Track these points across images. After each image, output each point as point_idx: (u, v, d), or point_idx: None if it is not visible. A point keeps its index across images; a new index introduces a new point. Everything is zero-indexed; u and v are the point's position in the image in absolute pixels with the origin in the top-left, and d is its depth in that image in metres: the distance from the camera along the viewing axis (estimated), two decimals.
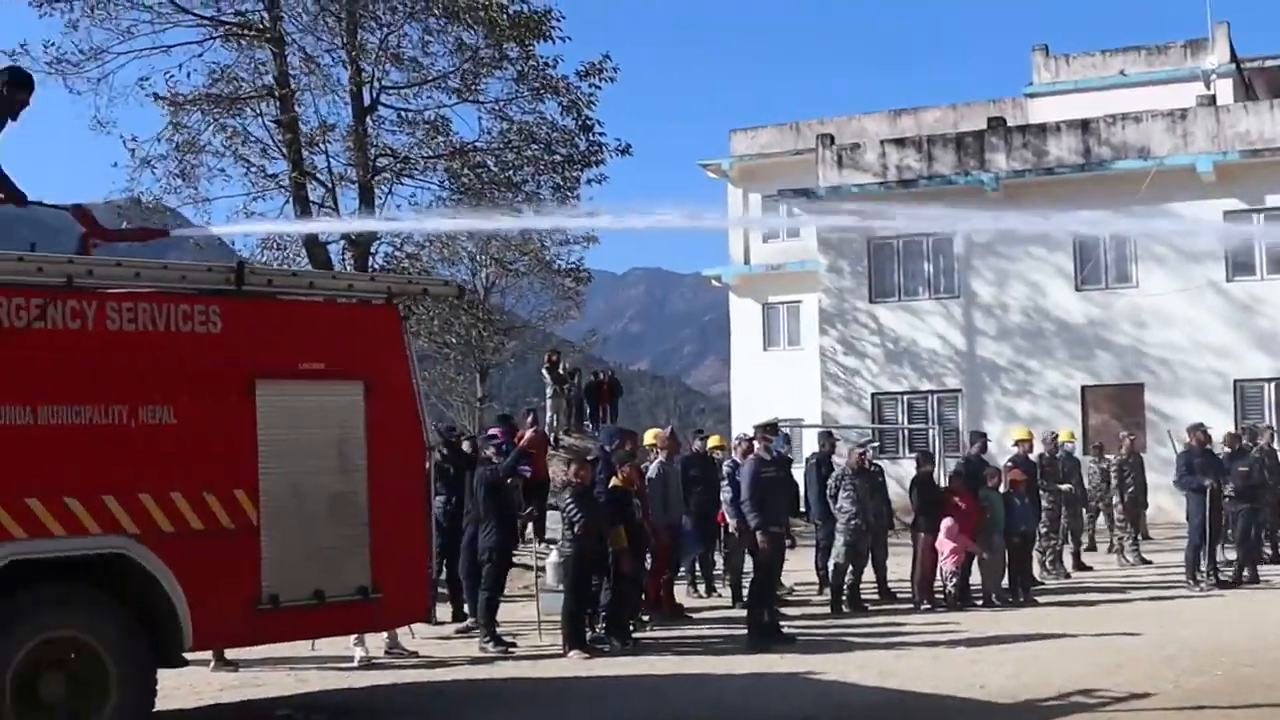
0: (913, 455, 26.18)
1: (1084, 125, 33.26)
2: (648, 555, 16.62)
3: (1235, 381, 31.52)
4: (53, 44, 25.90)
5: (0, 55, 24.82)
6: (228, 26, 27.28)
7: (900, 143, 35.43)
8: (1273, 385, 31.41)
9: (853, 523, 18.53)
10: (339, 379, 10.96)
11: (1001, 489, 19.38)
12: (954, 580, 18.70)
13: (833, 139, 36.42)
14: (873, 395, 34.87)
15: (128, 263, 10.35)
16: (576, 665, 14.50)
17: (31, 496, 9.51)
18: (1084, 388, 32.89)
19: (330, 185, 28.76)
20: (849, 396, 35.03)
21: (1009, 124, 35.55)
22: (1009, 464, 20.26)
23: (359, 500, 11.00)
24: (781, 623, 16.09)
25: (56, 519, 9.60)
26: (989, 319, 33.86)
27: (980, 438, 21.41)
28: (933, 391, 34.38)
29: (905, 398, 34.71)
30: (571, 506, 15.13)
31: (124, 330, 10.01)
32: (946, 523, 18.54)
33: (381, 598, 11.04)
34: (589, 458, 16.67)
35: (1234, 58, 38.59)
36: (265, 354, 10.62)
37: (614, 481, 15.98)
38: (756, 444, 16.43)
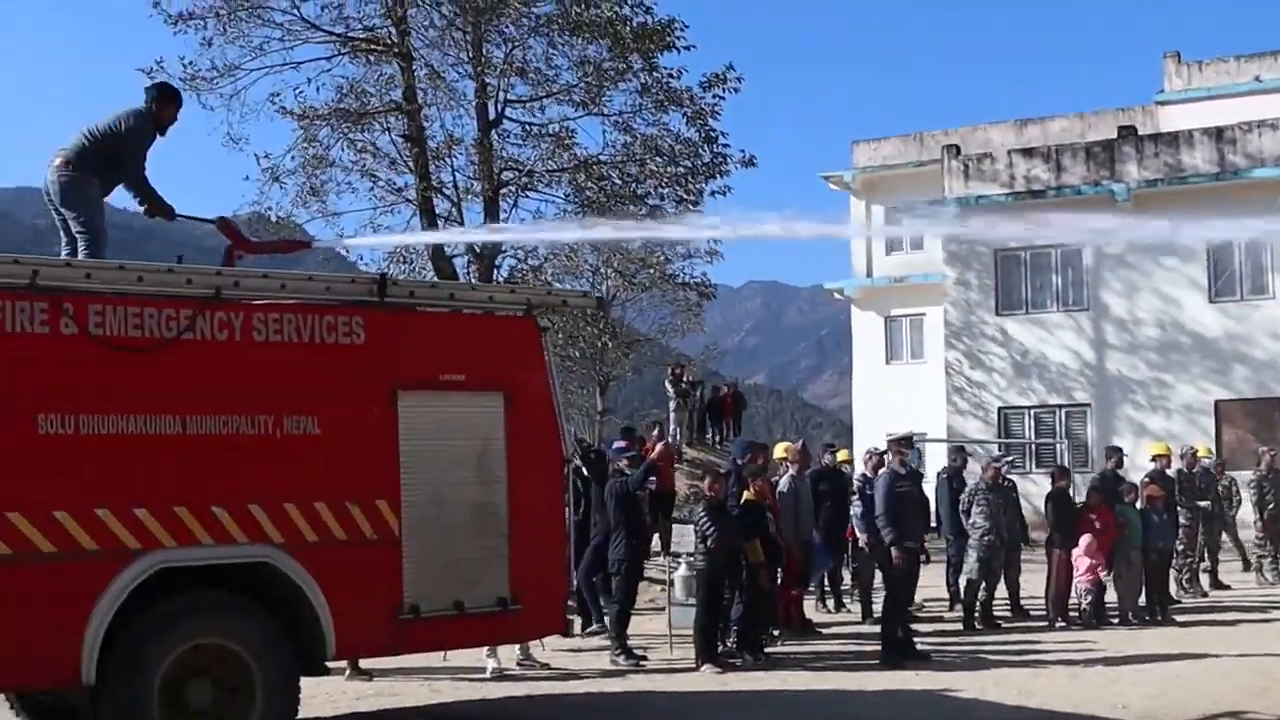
0: (1041, 470, 25.90)
1: (1218, 133, 32.61)
2: (779, 570, 16.47)
3: None
4: (189, 61, 26.33)
5: (138, 73, 25.51)
6: (356, 42, 27.59)
7: (1028, 153, 34.96)
8: None
9: (986, 538, 18.29)
10: (479, 390, 11.00)
11: (1138, 505, 19.02)
12: (1089, 598, 18.35)
13: (958, 149, 36.02)
14: (999, 409, 34.44)
15: (274, 274, 10.48)
16: (710, 680, 14.42)
17: (180, 505, 9.66)
18: (1218, 402, 32.19)
19: (456, 199, 28.98)
20: (975, 410, 34.62)
21: (1139, 132, 34.94)
22: (1146, 480, 19.86)
23: (499, 511, 11.03)
24: (915, 639, 15.89)
25: (204, 527, 9.75)
26: (1120, 332, 33.30)
27: (1116, 453, 21.06)
28: (1061, 406, 33.85)
29: (1033, 412, 34.23)
30: (705, 520, 15.07)
31: (270, 341, 10.12)
32: (1085, 539, 18.22)
33: (520, 609, 11.05)
34: (721, 471, 16.57)
35: None
36: (407, 365, 10.68)
37: (747, 495, 15.88)
38: (891, 458, 16.25)
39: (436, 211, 27.86)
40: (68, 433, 9.29)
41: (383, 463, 10.49)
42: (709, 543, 14.95)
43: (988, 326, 34.58)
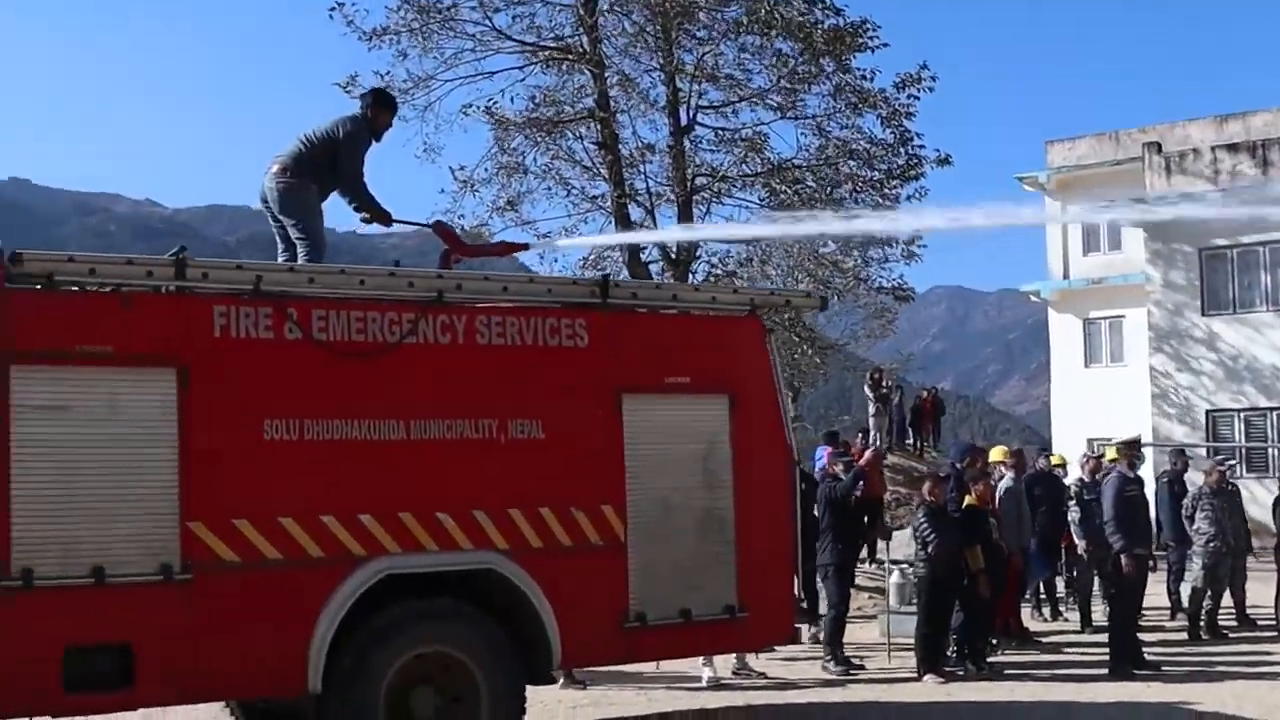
0: (1251, 475, 24.86)
1: None
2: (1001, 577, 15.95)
3: None
4: (386, 74, 26.53)
5: (335, 88, 25.81)
6: (548, 51, 27.59)
7: (1233, 148, 33.70)
8: None
9: (1211, 545, 17.60)
10: (704, 393, 10.71)
11: None
12: None
13: (1159, 146, 34.89)
14: (1207, 413, 33.23)
15: (495, 277, 10.33)
16: (933, 690, 13.99)
17: (405, 511, 9.53)
18: None
19: (650, 206, 28.82)
20: (1182, 415, 33.45)
21: None
22: None
23: (725, 517, 10.73)
24: (1143, 649, 15.25)
25: (429, 534, 9.61)
26: None
27: None
28: (1273, 409, 32.54)
29: (1243, 415, 32.96)
30: (925, 526, 14.63)
31: (493, 344, 9.95)
32: None
33: (747, 617, 10.73)
34: (940, 475, 16.10)
35: None
36: (631, 368, 10.44)
37: (968, 500, 15.39)
38: (1119, 462, 15.59)
39: (631, 218, 27.72)
40: (293, 439, 9.23)
41: (608, 467, 10.26)
42: (930, 549, 14.51)
43: (1194, 328, 33.40)
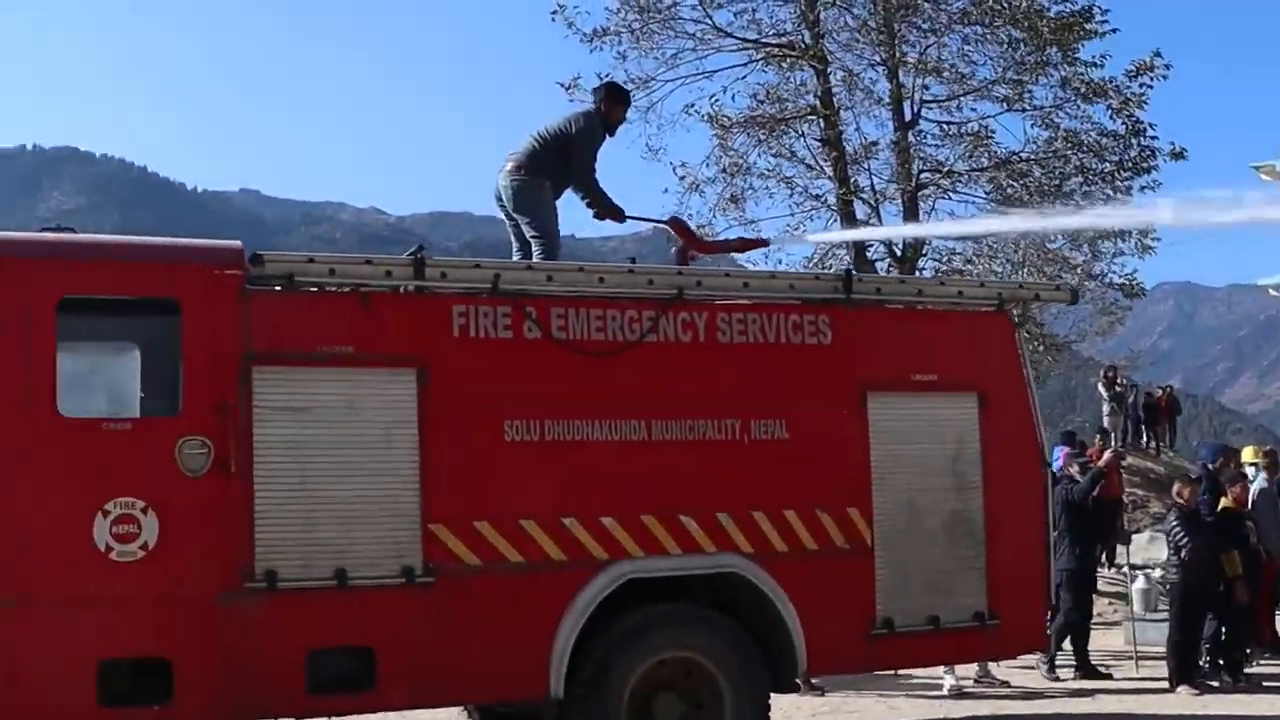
0: None
1: None
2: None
3: None
4: (606, 75, 26.47)
5: (557, 88, 25.88)
6: (769, 48, 27.26)
7: None
8: None
9: None
10: (952, 391, 10.27)
11: None
12: None
13: None
14: None
15: (735, 273, 10.07)
16: (1187, 702, 13.37)
17: (648, 514, 9.29)
18: None
19: (874, 203, 28.32)
20: None
21: None
22: None
23: (975, 520, 10.27)
24: None
25: (672, 537, 9.36)
26: None
27: None
28: None
29: None
30: (1178, 530, 13.95)
31: (735, 342, 9.66)
32: None
33: (998, 624, 10.25)
34: (1192, 476, 15.35)
35: None
36: (876, 365, 10.06)
37: (1224, 502, 14.62)
38: None
39: (856, 216, 27.23)
40: (533, 439, 9.07)
41: (853, 468, 9.89)
42: (1183, 554, 13.81)
43: None
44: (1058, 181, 28.45)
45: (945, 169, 28.49)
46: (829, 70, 27.08)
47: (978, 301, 10.65)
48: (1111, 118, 28.02)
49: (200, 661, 8.23)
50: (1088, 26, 27.08)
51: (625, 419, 9.29)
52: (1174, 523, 14.16)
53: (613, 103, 11.08)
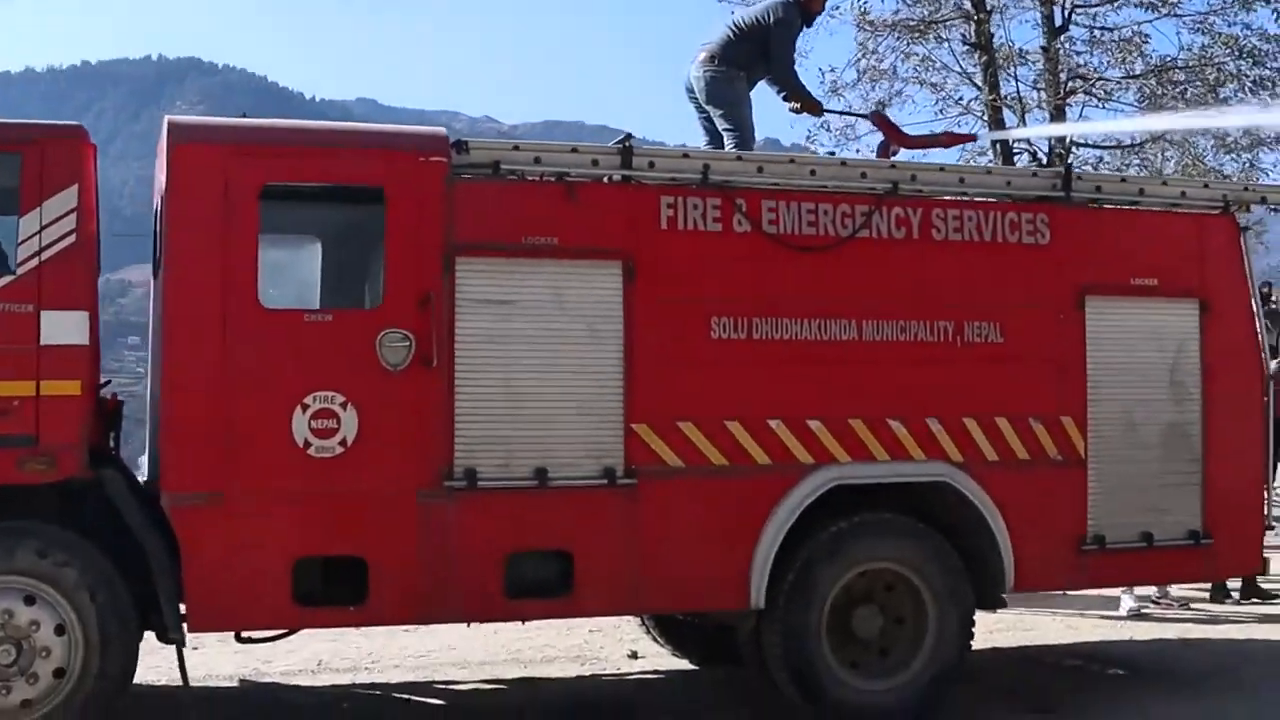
0: None
1: None
2: None
3: None
4: None
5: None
6: None
7: None
8: None
9: None
10: (1173, 297, 9.71)
11: None
12: None
13: None
14: None
15: (951, 168, 9.57)
16: None
17: (855, 418, 8.87)
18: None
19: (1020, 112, 27.48)
20: None
21: None
22: None
23: (1193, 434, 9.74)
24: None
25: (880, 442, 8.94)
26: None
27: None
28: None
29: None
30: None
31: (950, 241, 9.16)
32: None
33: (1212, 544, 9.75)
34: None
35: None
36: (1095, 268, 9.51)
37: None
38: None
39: (1005, 124, 26.43)
40: (741, 338, 8.67)
41: (1069, 375, 9.39)
42: None
43: None
44: (1212, 89, 27.49)
45: (1096, 76, 27.59)
46: None
47: (1202, 202, 10.03)
48: (1276, 21, 26.96)
49: (397, 562, 7.99)
50: None
51: (836, 318, 8.86)
52: None
53: None
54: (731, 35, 10.33)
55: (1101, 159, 28.51)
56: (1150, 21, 27.51)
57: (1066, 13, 27.27)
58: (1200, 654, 11.68)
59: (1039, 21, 26.75)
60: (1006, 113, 26.99)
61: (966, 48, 26.60)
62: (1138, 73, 27.88)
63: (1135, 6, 27.57)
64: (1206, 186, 10.11)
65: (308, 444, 7.82)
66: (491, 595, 8.15)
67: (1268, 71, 27.45)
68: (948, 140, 12.27)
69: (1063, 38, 27.33)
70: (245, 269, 7.79)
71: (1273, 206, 10.69)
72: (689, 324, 8.54)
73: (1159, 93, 27.35)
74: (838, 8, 26.63)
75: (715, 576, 8.60)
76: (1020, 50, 27.20)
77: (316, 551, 7.91)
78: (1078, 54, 27.81)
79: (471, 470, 8.05)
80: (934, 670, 9.04)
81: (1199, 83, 27.66)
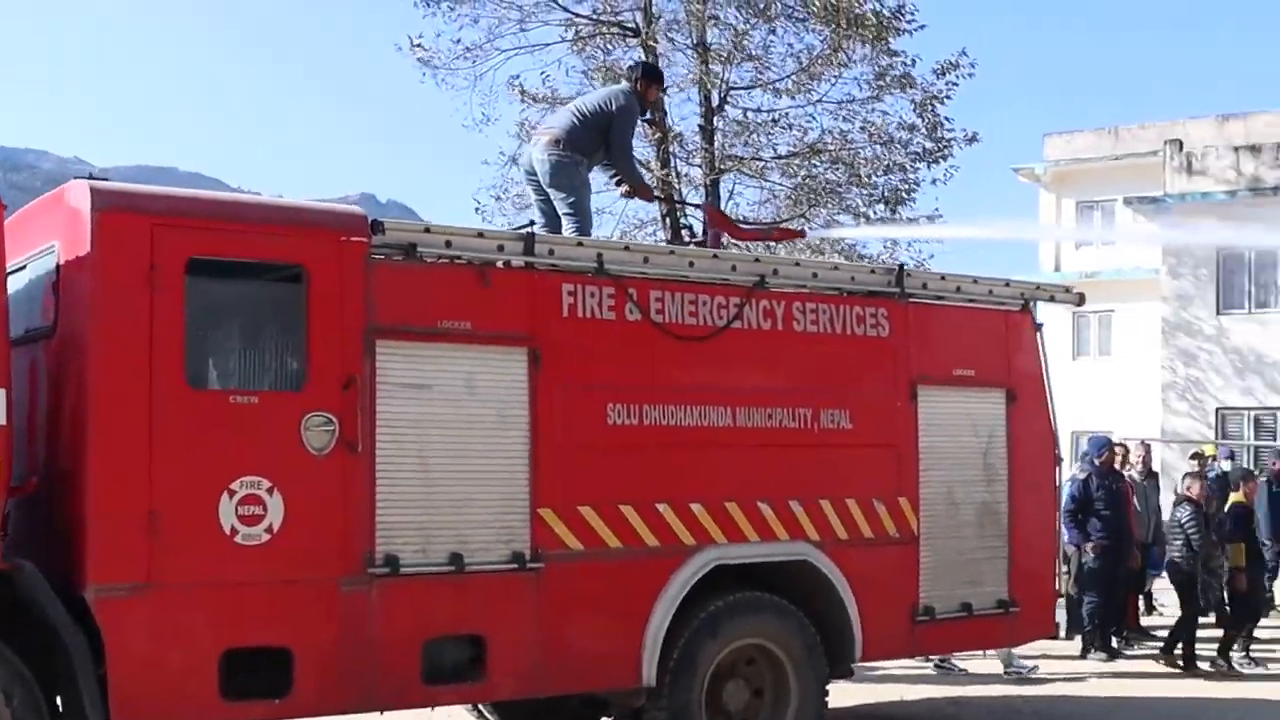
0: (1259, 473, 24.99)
1: None
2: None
3: None
4: (456, 40, 26.15)
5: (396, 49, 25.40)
6: (604, 26, 27.28)
7: (1255, 149, 34.00)
8: None
9: None
10: (986, 386, 10.61)
11: None
12: None
13: (1181, 144, 35.17)
14: (1217, 410, 33.60)
15: (806, 263, 10.14)
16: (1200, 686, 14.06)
17: (730, 500, 9.31)
18: None
19: (679, 187, 28.62)
20: (1192, 411, 33.82)
21: None
22: None
23: (1001, 511, 10.65)
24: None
25: (752, 524, 9.40)
26: None
27: None
28: None
29: (1253, 414, 33.37)
30: (1190, 523, 14.86)
31: (808, 332, 9.73)
32: None
33: (1018, 612, 10.65)
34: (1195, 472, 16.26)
35: None
36: (924, 359, 10.28)
37: (1235, 497, 15.53)
38: None
39: (673, 199, 27.44)
40: (633, 423, 8.98)
41: (905, 459, 10.12)
42: (1194, 545, 14.77)
43: (1205, 324, 33.70)
44: (852, 169, 29.41)
45: (749, 156, 29.04)
46: (660, 54, 27.22)
47: (1006, 299, 10.94)
48: (915, 113, 29.08)
49: (320, 651, 7.86)
50: (899, 24, 27.94)
51: (714, 405, 9.27)
52: (1186, 516, 14.88)
53: (649, 82, 11.01)
54: (576, 121, 10.57)
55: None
56: (798, 107, 29.24)
57: (721, 95, 28.63)
58: (966, 711, 12.54)
59: (698, 101, 28.01)
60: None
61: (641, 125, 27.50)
62: (783, 154, 29.52)
63: (780, 94, 29.27)
64: (1008, 285, 11.04)
65: (235, 531, 7.62)
66: (410, 682, 8.12)
67: (900, 158, 29.59)
68: (777, 235, 12.83)
69: (717, 119, 28.68)
70: (172, 347, 7.53)
71: (1060, 302, 11.71)
72: (588, 410, 8.77)
73: (801, 173, 29.10)
74: (518, 76, 27.30)
75: (612, 656, 8.83)
76: (675, 135, 28.44)
77: (244, 643, 7.66)
78: (732, 134, 29.26)
79: (393, 556, 8.03)
80: None
81: (841, 165, 29.55)
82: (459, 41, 26.37)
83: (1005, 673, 14.02)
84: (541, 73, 27.06)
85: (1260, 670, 14.93)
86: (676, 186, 28.46)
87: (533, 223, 8.87)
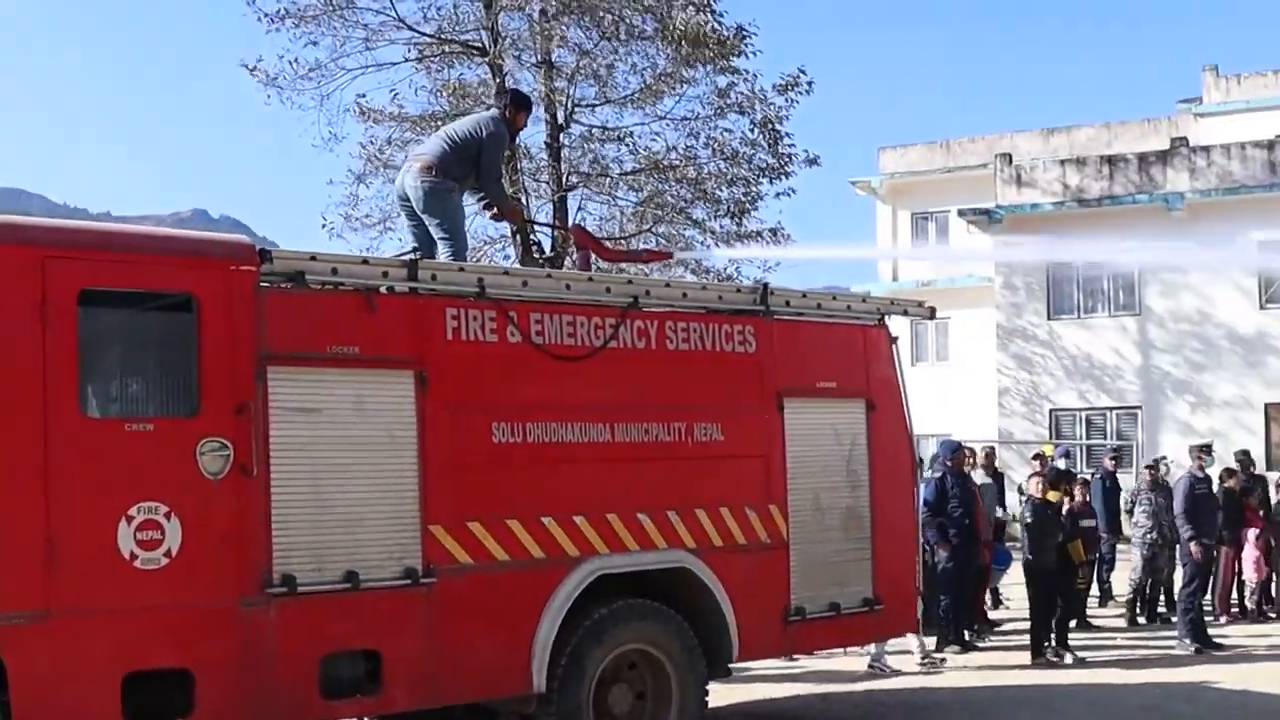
0: (1089, 470, 26.15)
1: (1270, 145, 33.15)
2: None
3: None
4: (296, 60, 26.28)
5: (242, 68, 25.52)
6: (450, 45, 27.59)
7: (1080, 162, 35.32)
8: None
9: (1149, 537, 18.59)
10: (847, 397, 11.12)
11: None
12: (1256, 593, 19.00)
13: (1010, 157, 36.40)
14: (1050, 411, 34.83)
15: (676, 284, 10.54)
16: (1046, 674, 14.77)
17: (611, 513, 9.68)
18: (1267, 405, 32.72)
19: (525, 203, 29.00)
20: (1027, 413, 35.01)
21: (1179, 144, 35.47)
22: None
23: (864, 515, 11.17)
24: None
25: (631, 534, 9.79)
26: (1168, 335, 33.70)
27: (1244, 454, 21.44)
28: (1112, 408, 34.30)
29: (1084, 414, 34.65)
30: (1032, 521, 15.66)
31: (680, 350, 10.15)
32: (1252, 534, 18.77)
33: (882, 609, 11.18)
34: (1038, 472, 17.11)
35: None
36: (790, 373, 10.76)
37: (1052, 496, 16.37)
38: (1192, 461, 17.54)
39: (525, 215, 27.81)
40: (517, 441, 9.30)
41: (774, 468, 10.59)
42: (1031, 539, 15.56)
43: (1038, 329, 34.92)
44: (696, 184, 30.10)
45: (596, 173, 29.55)
46: (506, 72, 27.58)
47: (863, 314, 11.48)
48: (754, 130, 29.84)
49: (221, 672, 8.05)
50: (739, 45, 28.65)
51: (593, 421, 9.64)
52: (1031, 515, 15.73)
53: (518, 109, 11.34)
54: (447, 147, 10.85)
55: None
56: (643, 124, 29.85)
57: (567, 113, 29.09)
58: (834, 706, 13.04)
59: (543, 119, 28.45)
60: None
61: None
62: (629, 170, 30.10)
63: (628, 108, 29.85)
64: (864, 301, 11.56)
65: (134, 556, 7.79)
66: (309, 698, 8.35)
67: (743, 171, 30.34)
68: (645, 257, 13.20)
69: (563, 135, 29.15)
70: (66, 377, 7.68)
71: (913, 316, 12.30)
72: (474, 429, 9.08)
73: (655, 188, 29.69)
74: (364, 95, 27.55)
75: (503, 665, 9.16)
76: (524, 148, 28.85)
77: (145, 665, 7.82)
78: (578, 150, 29.74)
79: (290, 576, 8.23)
80: None
81: (685, 182, 30.19)
82: (296, 61, 26.61)
83: (870, 667, 14.59)
84: (391, 90, 27.37)
85: (1092, 657, 15.73)
86: (524, 203, 28.92)
87: (416, 249, 9.12)
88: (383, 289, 8.98)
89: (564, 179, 29.37)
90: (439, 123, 27.42)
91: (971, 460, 18.61)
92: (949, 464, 16.82)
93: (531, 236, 27.47)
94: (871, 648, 14.41)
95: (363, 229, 28.26)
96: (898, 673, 14.78)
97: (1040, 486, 15.96)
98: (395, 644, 8.67)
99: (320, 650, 8.40)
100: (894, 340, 11.64)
